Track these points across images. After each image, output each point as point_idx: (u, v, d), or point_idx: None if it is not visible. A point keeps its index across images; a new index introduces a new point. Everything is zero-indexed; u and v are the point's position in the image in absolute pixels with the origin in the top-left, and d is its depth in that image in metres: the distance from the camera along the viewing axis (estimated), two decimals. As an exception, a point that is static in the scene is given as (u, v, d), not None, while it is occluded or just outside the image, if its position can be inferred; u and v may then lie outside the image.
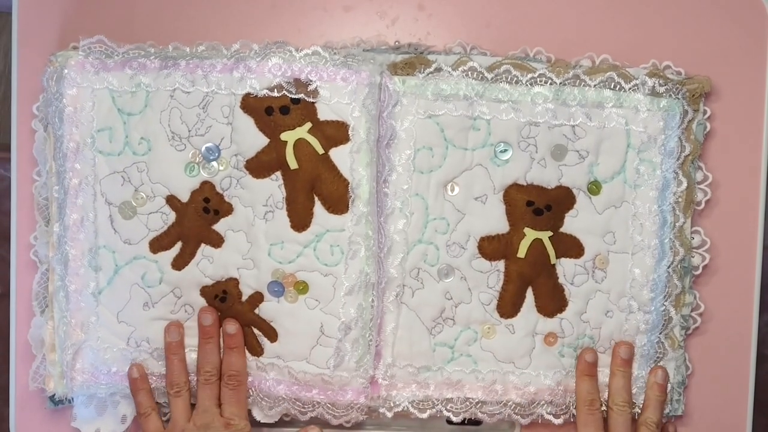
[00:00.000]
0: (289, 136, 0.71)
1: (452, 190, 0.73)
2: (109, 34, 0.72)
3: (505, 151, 0.73)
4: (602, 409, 0.75)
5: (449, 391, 0.75)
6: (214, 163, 0.72)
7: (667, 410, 0.76)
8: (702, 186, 0.76)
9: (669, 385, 0.76)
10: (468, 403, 0.75)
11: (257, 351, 0.74)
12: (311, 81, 0.71)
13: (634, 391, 0.75)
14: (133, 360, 0.74)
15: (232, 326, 0.73)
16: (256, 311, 0.74)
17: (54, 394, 0.75)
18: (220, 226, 0.73)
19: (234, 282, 0.73)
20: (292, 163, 0.71)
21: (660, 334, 0.75)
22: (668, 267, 0.74)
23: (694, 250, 0.76)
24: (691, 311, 0.77)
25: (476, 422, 0.77)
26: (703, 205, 0.76)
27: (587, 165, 0.74)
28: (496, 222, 0.74)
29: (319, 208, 0.72)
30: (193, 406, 0.73)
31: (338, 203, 0.71)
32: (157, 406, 0.74)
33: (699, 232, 0.76)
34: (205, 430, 0.71)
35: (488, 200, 0.73)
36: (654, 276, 0.74)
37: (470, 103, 0.72)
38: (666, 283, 0.74)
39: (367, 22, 0.76)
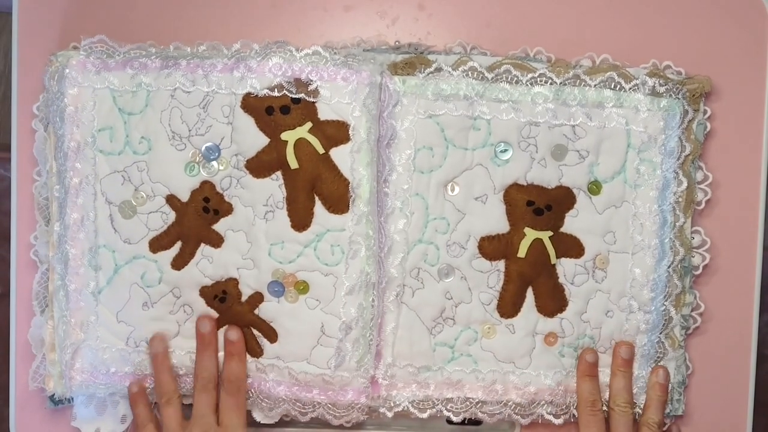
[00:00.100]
0: (289, 136, 0.71)
1: (452, 189, 0.73)
2: (109, 34, 0.72)
3: (506, 151, 0.73)
4: (603, 409, 0.75)
5: (449, 390, 0.75)
6: (215, 163, 0.72)
7: (667, 410, 0.76)
8: (702, 186, 0.76)
9: (669, 384, 0.76)
10: (468, 403, 0.75)
11: (257, 352, 0.74)
12: (312, 81, 0.71)
13: (634, 391, 0.75)
14: (132, 361, 0.74)
15: (234, 333, 0.73)
16: (256, 312, 0.73)
17: (54, 394, 0.75)
18: (219, 226, 0.73)
19: (233, 282, 0.73)
20: (293, 163, 0.71)
21: (660, 334, 0.75)
22: (668, 267, 0.74)
23: (695, 249, 0.76)
24: (692, 311, 0.77)
25: (476, 422, 0.77)
26: (703, 204, 0.76)
27: (587, 165, 0.74)
28: (497, 222, 0.74)
29: (319, 207, 0.72)
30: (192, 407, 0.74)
31: (339, 203, 0.71)
32: (155, 418, 0.74)
33: (699, 232, 0.76)
34: None
35: (488, 200, 0.73)
36: (654, 276, 0.74)
37: (470, 103, 0.72)
38: (666, 282, 0.74)
39: (367, 22, 0.76)
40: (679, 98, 0.73)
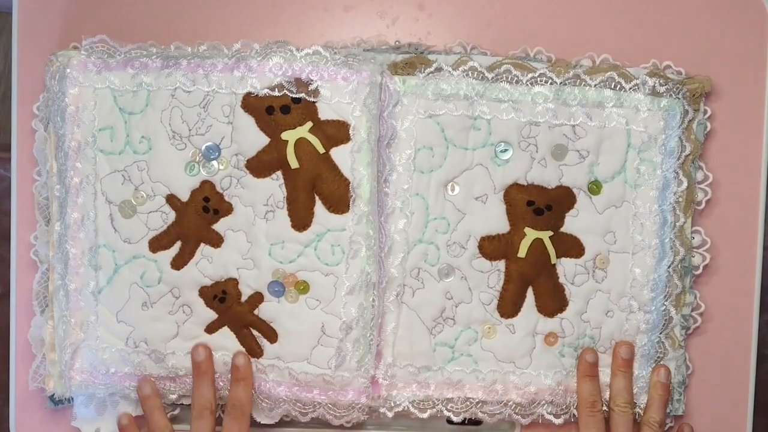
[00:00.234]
0: (289, 136, 0.71)
1: (453, 189, 0.73)
2: (109, 34, 0.72)
3: (506, 150, 0.73)
4: (603, 409, 0.75)
5: (450, 390, 0.75)
6: (215, 163, 0.72)
7: (667, 410, 0.76)
8: (702, 186, 0.76)
9: (671, 384, 0.76)
10: (468, 402, 0.75)
11: (256, 353, 0.74)
12: (312, 80, 0.71)
13: (635, 391, 0.75)
14: (132, 361, 0.74)
15: (241, 359, 0.73)
16: (256, 312, 0.73)
17: (54, 394, 0.75)
18: (219, 226, 0.73)
19: (233, 282, 0.73)
20: (293, 163, 0.71)
21: (660, 333, 0.75)
22: (669, 267, 0.74)
23: (695, 249, 0.76)
24: (692, 311, 0.77)
25: (476, 422, 0.77)
26: (703, 204, 0.76)
27: (588, 165, 0.74)
28: (497, 222, 0.74)
29: (319, 207, 0.72)
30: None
31: (339, 203, 0.71)
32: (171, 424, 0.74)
33: (699, 232, 0.76)
34: None
35: (489, 200, 0.73)
36: (654, 276, 0.74)
37: (471, 102, 0.72)
38: (666, 282, 0.74)
39: (367, 22, 0.76)
40: (679, 98, 0.73)
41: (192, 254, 0.73)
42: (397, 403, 0.74)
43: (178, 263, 0.73)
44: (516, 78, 0.73)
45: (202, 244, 0.73)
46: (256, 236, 0.72)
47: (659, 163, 0.73)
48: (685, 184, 0.74)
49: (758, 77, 0.76)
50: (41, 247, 0.74)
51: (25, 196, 0.75)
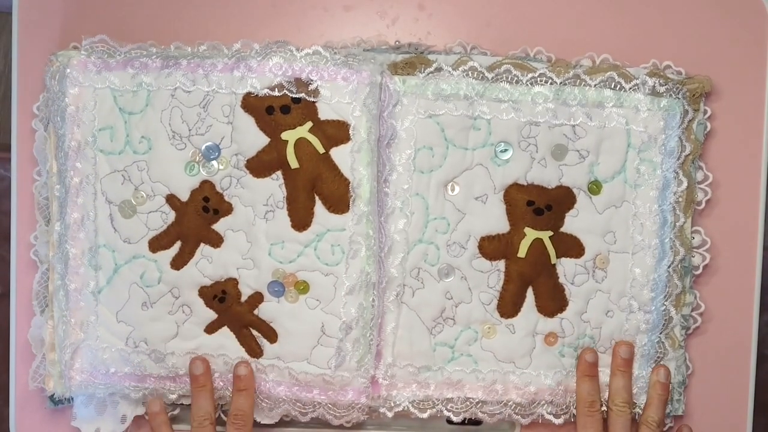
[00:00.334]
0: (289, 136, 0.71)
1: (452, 189, 0.73)
2: (109, 34, 0.72)
3: (506, 150, 0.73)
4: (602, 409, 0.75)
5: (449, 390, 0.75)
6: (215, 163, 0.72)
7: (667, 410, 0.76)
8: (702, 186, 0.76)
9: (670, 384, 0.76)
10: (468, 402, 0.75)
11: (256, 353, 0.74)
12: (312, 80, 0.71)
13: (634, 391, 0.75)
14: (132, 361, 0.74)
15: (243, 368, 0.73)
16: (255, 312, 0.73)
17: (54, 394, 0.75)
18: (219, 226, 0.73)
19: (233, 282, 0.73)
20: (293, 163, 0.71)
21: (660, 333, 0.75)
22: (668, 267, 0.74)
23: (695, 249, 0.76)
24: (692, 311, 0.77)
25: (476, 422, 0.77)
26: (703, 204, 0.76)
27: (587, 165, 0.74)
28: (497, 222, 0.74)
29: (319, 207, 0.72)
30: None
31: (339, 203, 0.71)
32: None
33: (699, 232, 0.76)
34: None
35: (489, 200, 0.73)
36: (654, 276, 0.74)
37: (470, 102, 0.72)
38: (666, 282, 0.74)
39: (367, 22, 0.76)
40: (679, 98, 0.73)
41: (192, 254, 0.73)
42: (397, 403, 0.74)
43: (178, 263, 0.73)
44: (516, 78, 0.73)
45: (202, 244, 0.73)
46: (256, 236, 0.72)
47: (659, 163, 0.73)
48: (685, 184, 0.74)
49: (758, 77, 0.76)
50: (41, 247, 0.74)
51: (25, 196, 0.75)
